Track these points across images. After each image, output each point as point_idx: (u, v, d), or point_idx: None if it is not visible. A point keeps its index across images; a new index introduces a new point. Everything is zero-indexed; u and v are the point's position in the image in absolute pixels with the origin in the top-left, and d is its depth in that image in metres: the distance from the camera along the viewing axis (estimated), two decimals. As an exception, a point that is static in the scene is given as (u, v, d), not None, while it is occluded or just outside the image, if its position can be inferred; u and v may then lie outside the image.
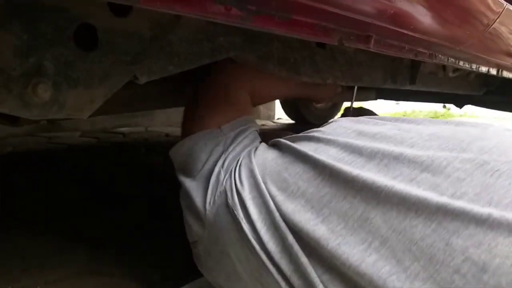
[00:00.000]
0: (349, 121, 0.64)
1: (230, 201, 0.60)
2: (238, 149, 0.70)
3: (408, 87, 1.09)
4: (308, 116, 2.94)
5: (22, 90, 0.44)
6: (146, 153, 1.97)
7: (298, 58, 0.76)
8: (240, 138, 0.72)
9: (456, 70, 1.23)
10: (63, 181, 1.51)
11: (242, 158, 0.66)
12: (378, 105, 2.46)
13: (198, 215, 0.66)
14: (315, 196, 0.52)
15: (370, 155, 0.51)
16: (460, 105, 2.05)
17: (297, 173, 0.56)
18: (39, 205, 1.26)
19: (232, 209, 0.59)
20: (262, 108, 3.58)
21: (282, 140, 0.66)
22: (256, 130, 0.79)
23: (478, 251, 0.38)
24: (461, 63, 0.88)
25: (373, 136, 0.55)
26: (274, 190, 0.56)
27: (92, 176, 1.59)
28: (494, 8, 0.69)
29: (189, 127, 0.76)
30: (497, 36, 0.81)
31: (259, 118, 3.55)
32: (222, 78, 0.81)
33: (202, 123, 0.74)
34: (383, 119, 0.63)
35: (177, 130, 2.67)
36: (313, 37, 0.52)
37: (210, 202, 0.64)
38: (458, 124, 0.58)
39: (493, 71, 1.03)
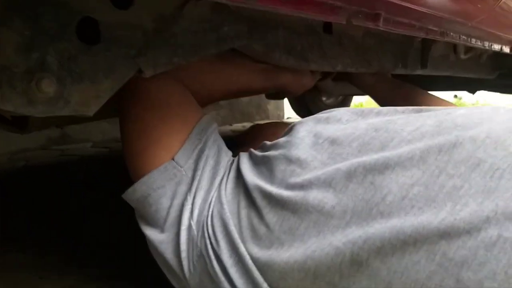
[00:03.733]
0: (316, 123, 0.58)
1: (210, 269, 0.50)
2: (204, 183, 0.57)
3: (420, 72, 1.07)
4: (317, 113, 2.91)
5: (26, 86, 0.43)
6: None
7: (305, 45, 0.75)
8: (201, 163, 0.58)
9: (467, 51, 1.20)
10: (77, 190, 1.51)
11: (214, 202, 0.55)
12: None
13: (179, 279, 0.56)
14: (299, 250, 0.44)
15: (348, 174, 0.44)
16: (472, 90, 2.01)
17: (275, 222, 0.47)
18: (53, 213, 1.26)
19: (215, 279, 0.50)
20: (271, 108, 3.56)
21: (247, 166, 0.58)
22: (215, 131, 0.66)
23: (494, 284, 0.32)
24: (473, 40, 0.85)
25: (350, 145, 0.49)
26: (256, 251, 0.48)
27: (105, 184, 1.59)
28: (505, -21, 0.67)
29: (135, 165, 0.61)
30: (509, 11, 0.79)
31: (268, 118, 3.54)
32: (145, 91, 0.63)
33: (149, 159, 0.59)
34: (354, 113, 0.57)
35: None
36: (320, 15, 0.50)
37: (190, 269, 0.53)
38: (437, 111, 0.52)
39: (506, 49, 1.00)
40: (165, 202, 0.56)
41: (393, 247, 0.37)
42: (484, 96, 5.41)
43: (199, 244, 0.53)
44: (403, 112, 0.54)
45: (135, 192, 0.59)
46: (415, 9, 0.61)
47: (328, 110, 0.63)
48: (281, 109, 3.69)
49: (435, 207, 0.37)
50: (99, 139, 2.50)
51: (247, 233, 0.50)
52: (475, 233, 0.34)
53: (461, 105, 5.64)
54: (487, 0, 0.71)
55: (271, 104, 3.55)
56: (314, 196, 0.45)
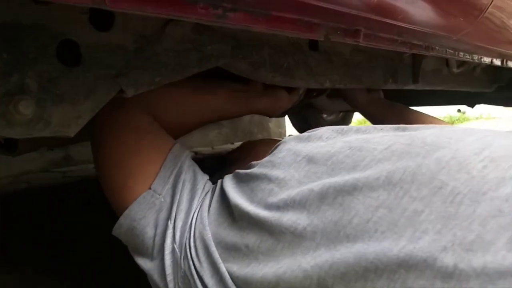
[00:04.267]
0: (298, 142, 0.59)
1: None
2: (183, 206, 0.58)
3: (412, 87, 1.07)
4: (319, 130, 2.92)
5: (5, 109, 0.44)
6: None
7: (292, 63, 0.75)
8: (179, 187, 0.59)
9: (460, 65, 1.20)
10: (79, 212, 1.51)
11: (195, 224, 0.56)
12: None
13: None
14: (271, 270, 0.44)
15: (321, 195, 0.44)
16: (471, 104, 2.01)
17: (254, 242, 0.48)
18: (54, 234, 1.26)
19: None
20: (272, 126, 3.57)
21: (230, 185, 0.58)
22: (190, 156, 0.67)
23: None
24: (461, 54, 0.86)
25: (325, 163, 0.49)
26: (235, 269, 0.48)
27: (108, 205, 1.59)
28: (486, -8, 0.68)
29: (115, 200, 0.61)
30: (495, 22, 0.79)
31: (269, 136, 3.55)
32: (116, 122, 0.63)
33: (128, 192, 0.59)
34: (335, 130, 0.58)
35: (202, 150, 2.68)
36: (297, 33, 0.51)
37: None
38: (415, 129, 0.52)
39: (497, 62, 1.00)
40: (149, 231, 0.57)
41: (356, 273, 0.37)
42: (488, 110, 5.39)
43: (182, 265, 0.53)
44: (381, 129, 0.54)
45: (121, 227, 0.59)
46: (396, 24, 0.62)
47: (312, 129, 0.63)
48: (283, 127, 3.69)
49: (396, 232, 0.37)
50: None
51: (227, 252, 0.50)
52: (432, 262, 0.33)
53: (465, 119, 5.62)
54: (471, 12, 0.71)
55: (273, 122, 3.57)
56: (289, 217, 0.45)
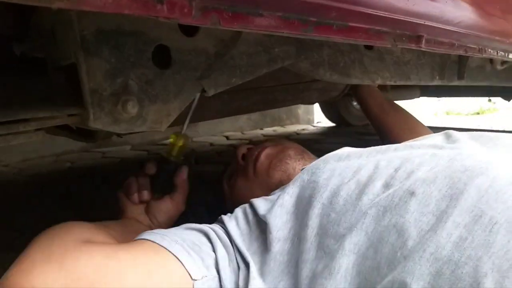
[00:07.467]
0: (290, 198, 0.58)
1: None
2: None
3: (456, 83, 1.09)
4: (348, 118, 2.94)
5: (113, 107, 0.50)
6: (195, 163, 2.04)
7: (348, 62, 0.80)
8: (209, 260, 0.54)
9: (504, 62, 1.21)
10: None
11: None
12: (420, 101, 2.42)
13: None
14: None
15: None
16: (508, 98, 2.00)
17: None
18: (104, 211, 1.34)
19: None
20: (300, 112, 3.60)
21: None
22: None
23: None
24: (510, 55, 0.88)
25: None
26: None
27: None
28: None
29: None
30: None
31: (298, 122, 3.58)
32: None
33: None
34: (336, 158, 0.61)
35: (220, 140, 2.75)
36: (368, 41, 0.55)
37: None
38: (451, 148, 0.56)
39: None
40: None
41: None
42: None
43: None
44: (419, 147, 0.58)
45: None
46: (455, 31, 0.65)
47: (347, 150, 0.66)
48: (311, 113, 3.72)
49: (440, 259, 0.40)
50: (137, 142, 2.61)
51: None
52: (476, 286, 0.37)
53: (495, 110, 5.50)
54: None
55: (301, 108, 3.60)
56: None
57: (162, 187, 0.74)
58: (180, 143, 0.73)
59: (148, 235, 0.53)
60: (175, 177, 0.74)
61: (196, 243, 0.54)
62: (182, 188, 0.75)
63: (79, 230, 0.50)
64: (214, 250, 0.54)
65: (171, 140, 0.74)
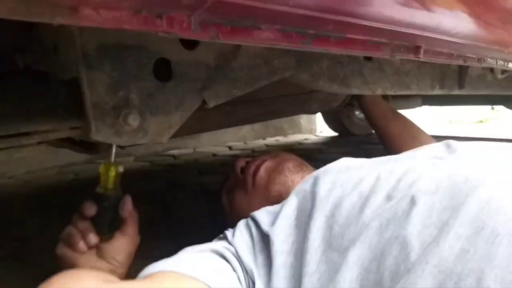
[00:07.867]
0: (292, 210, 0.59)
1: None
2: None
3: (457, 92, 1.10)
4: (351, 128, 2.94)
5: (114, 120, 0.51)
6: (198, 174, 2.05)
7: (348, 73, 0.80)
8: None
9: (504, 71, 1.22)
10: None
11: None
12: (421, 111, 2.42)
13: None
14: None
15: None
16: (510, 106, 2.00)
17: None
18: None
19: None
20: (303, 122, 3.61)
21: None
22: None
23: None
24: (510, 64, 0.88)
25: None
26: None
27: (148, 196, 1.67)
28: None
29: None
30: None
31: (300, 132, 3.59)
32: None
33: None
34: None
35: (223, 150, 2.76)
36: (366, 52, 0.56)
37: None
38: (452, 158, 0.56)
39: (545, 69, 1.02)
40: None
41: None
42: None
43: None
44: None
45: None
46: (453, 41, 0.65)
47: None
48: (314, 123, 3.72)
49: (445, 272, 0.40)
50: (141, 153, 2.62)
51: None
52: None
53: (498, 118, 5.49)
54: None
55: (304, 118, 3.60)
56: None
57: (108, 225, 0.66)
58: (113, 173, 0.66)
59: (169, 266, 0.51)
60: (120, 210, 0.66)
61: (218, 269, 0.54)
62: (131, 219, 0.67)
63: (90, 272, 0.50)
64: (234, 270, 0.54)
65: (101, 171, 0.67)
